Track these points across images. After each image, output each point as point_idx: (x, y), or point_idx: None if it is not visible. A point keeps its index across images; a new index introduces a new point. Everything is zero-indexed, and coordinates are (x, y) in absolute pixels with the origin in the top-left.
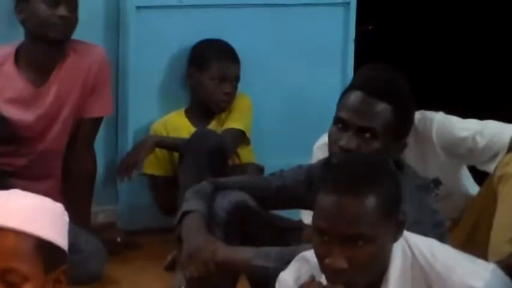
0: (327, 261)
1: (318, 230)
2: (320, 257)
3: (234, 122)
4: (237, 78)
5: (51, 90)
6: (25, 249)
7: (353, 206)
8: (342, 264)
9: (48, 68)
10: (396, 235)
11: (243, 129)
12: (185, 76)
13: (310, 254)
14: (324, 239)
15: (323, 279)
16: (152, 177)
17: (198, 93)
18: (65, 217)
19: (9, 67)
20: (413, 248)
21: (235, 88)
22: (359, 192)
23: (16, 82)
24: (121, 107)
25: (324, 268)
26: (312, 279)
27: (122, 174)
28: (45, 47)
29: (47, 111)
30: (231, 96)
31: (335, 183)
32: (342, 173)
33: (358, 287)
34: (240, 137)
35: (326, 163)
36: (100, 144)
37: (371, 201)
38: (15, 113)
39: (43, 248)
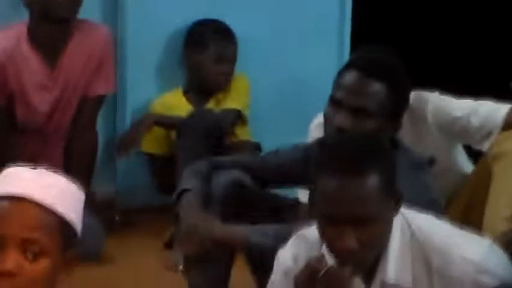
0: (337, 244)
1: (324, 215)
2: (328, 240)
3: (232, 101)
4: (234, 59)
5: (62, 72)
6: (49, 224)
7: (357, 188)
8: (353, 245)
9: (58, 49)
10: (396, 210)
11: (240, 108)
12: (183, 56)
13: (308, 232)
14: (331, 222)
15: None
16: (150, 156)
17: (195, 74)
18: (82, 205)
19: (26, 48)
20: (411, 224)
21: (232, 68)
22: (362, 173)
23: (33, 63)
24: (119, 85)
25: (334, 251)
26: (321, 259)
27: (121, 152)
28: (53, 27)
29: (59, 94)
30: (228, 76)
31: (336, 167)
32: (341, 156)
33: (364, 266)
34: (238, 117)
35: (322, 142)
36: (98, 123)
37: (373, 180)
38: (35, 99)
39: (64, 227)
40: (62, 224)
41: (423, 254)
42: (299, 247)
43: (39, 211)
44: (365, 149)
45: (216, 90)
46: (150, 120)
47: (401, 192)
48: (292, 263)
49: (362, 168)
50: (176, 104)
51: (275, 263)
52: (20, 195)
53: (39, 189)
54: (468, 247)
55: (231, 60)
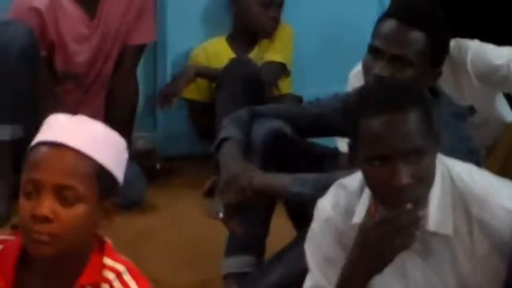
0: (393, 182)
1: (374, 157)
2: (382, 183)
3: (276, 54)
4: (281, 3)
5: (101, 21)
6: (85, 171)
7: (404, 122)
8: (409, 179)
9: None
10: (436, 147)
11: (284, 62)
12: (229, 2)
13: (347, 181)
14: (382, 162)
15: (360, 208)
16: (191, 102)
17: (243, 19)
18: (125, 154)
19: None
20: (452, 172)
21: (280, 13)
22: (405, 108)
23: (72, 13)
24: (159, 34)
25: (389, 192)
26: (376, 208)
27: (162, 104)
28: None
29: (98, 43)
30: (276, 21)
31: (379, 106)
32: (381, 95)
33: (419, 205)
34: (281, 70)
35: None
36: (138, 71)
37: (416, 114)
38: (74, 48)
39: (101, 175)
40: (100, 170)
41: (462, 203)
42: (339, 196)
43: (76, 157)
44: (403, 87)
45: (263, 36)
46: (192, 72)
47: (438, 132)
48: (332, 211)
49: (404, 103)
50: (220, 51)
51: (315, 211)
52: (57, 142)
53: (76, 135)
54: (508, 196)
55: (279, 4)
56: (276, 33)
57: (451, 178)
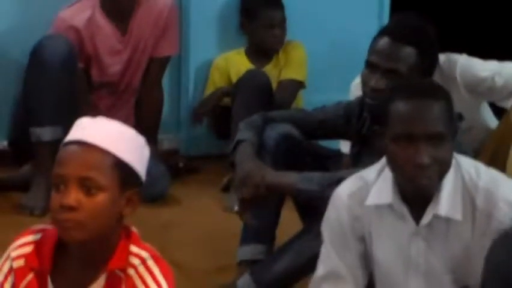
0: (413, 159)
1: (401, 135)
2: (404, 160)
3: (293, 72)
4: (283, 22)
5: (132, 37)
6: (104, 164)
7: (432, 107)
8: (428, 159)
9: (127, 16)
10: (453, 142)
11: (302, 80)
12: (240, 26)
13: (365, 173)
14: (407, 141)
15: (373, 191)
16: (213, 106)
17: (252, 40)
18: (145, 150)
19: (99, 16)
20: (462, 167)
21: (283, 30)
22: (434, 96)
23: (107, 30)
24: (184, 44)
25: (408, 169)
26: None
27: (195, 121)
28: None
29: (129, 55)
30: (280, 38)
31: (411, 92)
32: (414, 84)
33: (431, 186)
34: (298, 88)
35: (361, 100)
36: (165, 78)
37: (443, 104)
38: (108, 61)
39: (120, 167)
40: (117, 162)
41: (469, 194)
42: (354, 186)
43: (94, 152)
44: (434, 83)
45: (273, 52)
46: (220, 94)
47: (456, 129)
48: (348, 200)
49: (434, 92)
50: (239, 62)
51: (331, 200)
52: (78, 140)
53: (94, 133)
54: (510, 190)
55: (281, 23)
56: (290, 52)
57: (461, 171)
